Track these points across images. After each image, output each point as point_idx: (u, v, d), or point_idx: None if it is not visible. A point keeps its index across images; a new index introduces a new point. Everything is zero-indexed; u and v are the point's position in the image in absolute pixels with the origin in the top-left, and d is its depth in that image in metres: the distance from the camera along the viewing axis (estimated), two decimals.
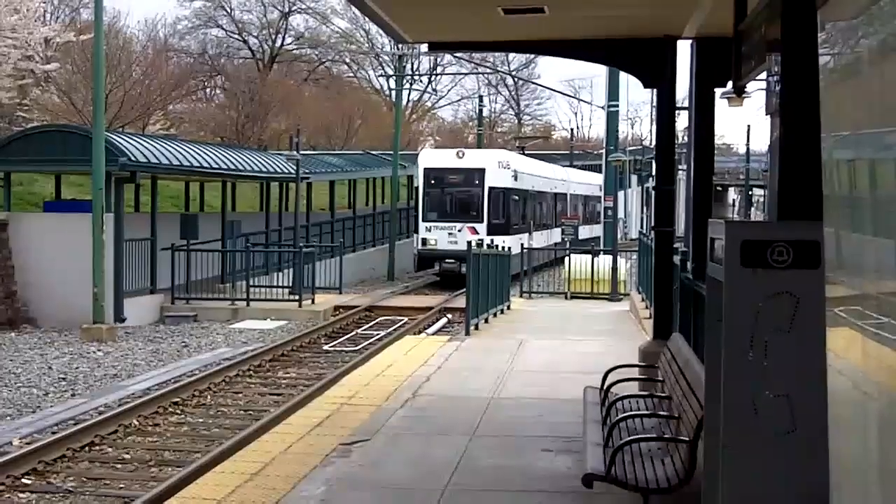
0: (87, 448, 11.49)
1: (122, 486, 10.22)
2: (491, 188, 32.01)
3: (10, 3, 31.75)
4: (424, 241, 32.22)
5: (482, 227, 31.34)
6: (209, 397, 14.59)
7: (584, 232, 43.78)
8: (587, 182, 50.11)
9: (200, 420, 13.24)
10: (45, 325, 20.95)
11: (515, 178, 33.48)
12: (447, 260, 31.32)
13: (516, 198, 33.86)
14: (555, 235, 39.04)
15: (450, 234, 31.65)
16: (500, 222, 31.99)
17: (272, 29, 63.63)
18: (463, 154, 33.39)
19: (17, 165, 23.01)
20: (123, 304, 21.45)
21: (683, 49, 10.54)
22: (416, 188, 33.43)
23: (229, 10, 62.55)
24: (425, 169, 32.85)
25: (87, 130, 21.66)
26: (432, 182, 32.66)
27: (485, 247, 21.67)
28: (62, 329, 20.42)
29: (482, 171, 32.20)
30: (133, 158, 21.44)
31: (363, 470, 7.85)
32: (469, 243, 18.60)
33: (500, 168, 32.70)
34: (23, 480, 10.23)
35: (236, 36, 63.17)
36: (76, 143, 21.53)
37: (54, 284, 20.96)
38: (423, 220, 32.38)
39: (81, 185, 28.13)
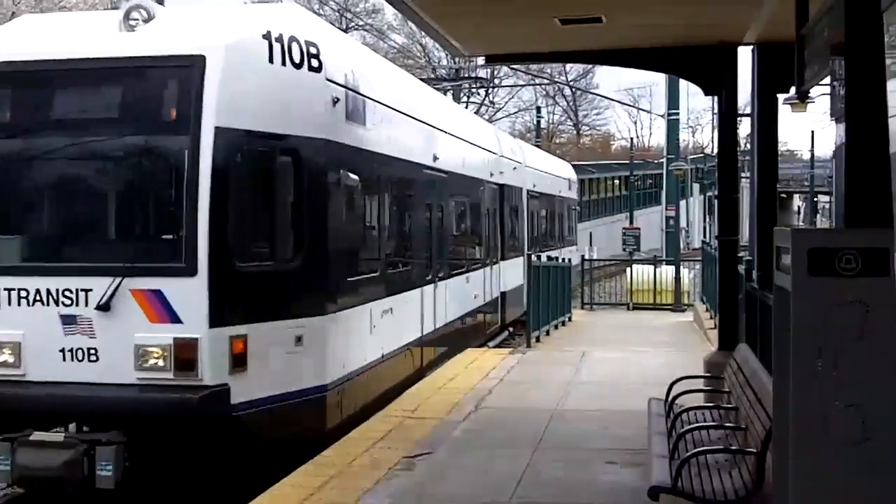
0: None
1: None
2: (222, 143, 7.99)
3: None
4: None
5: (197, 290, 7.86)
6: None
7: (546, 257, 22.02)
8: (551, 172, 27.03)
9: None
10: None
11: (349, 113, 9.70)
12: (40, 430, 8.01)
13: (354, 179, 9.85)
14: (476, 287, 17.23)
15: (64, 316, 8.00)
16: (274, 269, 8.56)
17: None
18: (135, 21, 8.39)
19: None
20: None
21: (745, 55, 10.44)
22: None
23: None
24: None
25: None
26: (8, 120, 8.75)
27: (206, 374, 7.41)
28: None
29: (189, 69, 8.03)
30: None
31: (427, 483, 7.85)
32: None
33: (276, 58, 8.53)
34: None
35: None
36: None
37: None
38: None
39: None
